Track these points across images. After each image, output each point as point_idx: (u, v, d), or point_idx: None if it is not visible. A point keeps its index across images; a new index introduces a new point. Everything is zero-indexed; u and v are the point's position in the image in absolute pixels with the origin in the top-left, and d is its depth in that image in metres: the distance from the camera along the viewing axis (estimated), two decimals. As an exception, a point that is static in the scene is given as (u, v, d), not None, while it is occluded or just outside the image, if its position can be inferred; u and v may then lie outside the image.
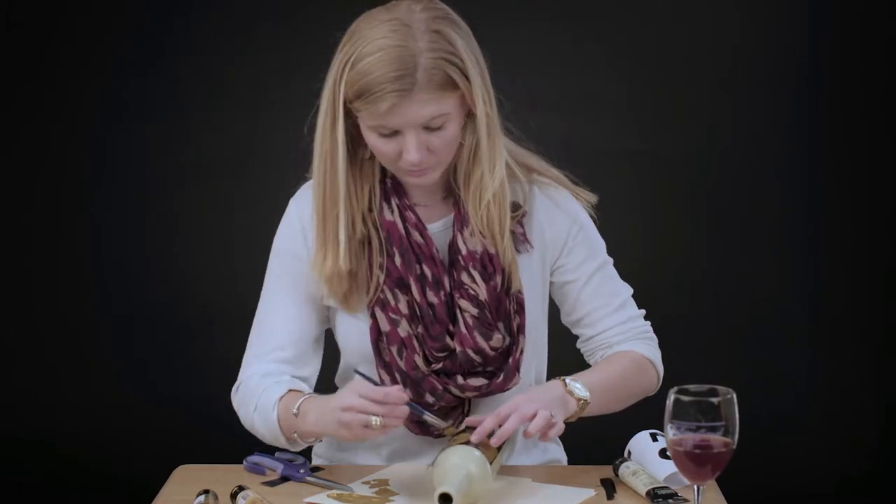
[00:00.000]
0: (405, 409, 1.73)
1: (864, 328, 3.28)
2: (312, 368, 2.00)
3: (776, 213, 3.27)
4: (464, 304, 1.89)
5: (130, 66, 3.21)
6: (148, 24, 3.20)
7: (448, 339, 1.90)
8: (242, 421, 1.96)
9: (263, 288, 1.99)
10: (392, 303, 1.88)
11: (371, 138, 1.82)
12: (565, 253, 1.98)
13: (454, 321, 1.90)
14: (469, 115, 1.85)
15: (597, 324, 2.01)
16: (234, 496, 1.73)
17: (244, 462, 1.90)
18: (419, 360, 1.89)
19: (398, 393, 1.73)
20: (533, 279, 1.96)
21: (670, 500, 1.73)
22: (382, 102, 1.76)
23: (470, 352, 1.89)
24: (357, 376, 1.81)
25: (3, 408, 3.29)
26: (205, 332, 3.21)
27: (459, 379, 1.90)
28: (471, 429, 1.76)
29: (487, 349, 1.89)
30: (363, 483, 1.83)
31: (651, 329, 2.06)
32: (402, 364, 1.89)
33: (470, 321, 1.89)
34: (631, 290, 2.05)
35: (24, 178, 3.27)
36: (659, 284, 3.25)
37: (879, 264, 3.26)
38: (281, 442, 1.89)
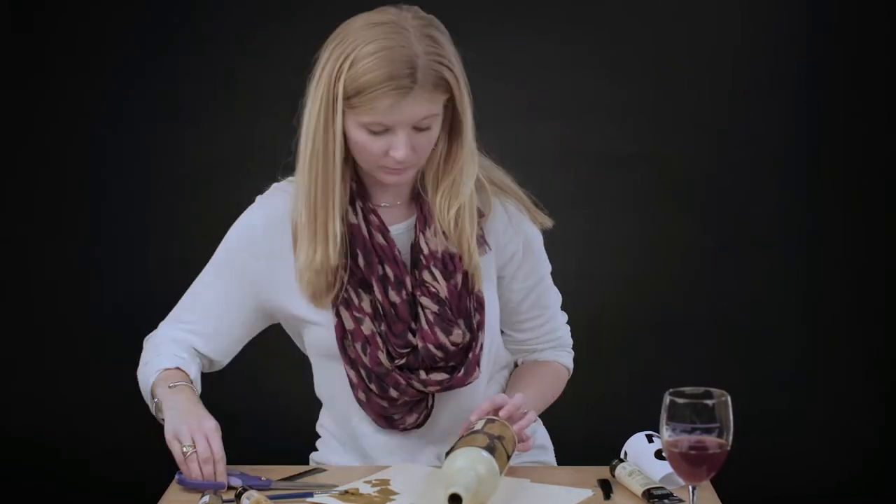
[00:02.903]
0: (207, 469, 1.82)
1: (860, 328, 3.28)
2: (223, 357, 2.06)
3: (774, 215, 3.28)
4: (425, 301, 1.94)
5: (132, 69, 3.21)
6: (149, 28, 3.20)
7: (410, 336, 1.95)
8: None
9: (210, 262, 2.04)
10: (356, 302, 1.93)
11: (359, 135, 1.86)
12: (512, 267, 2.06)
13: (416, 319, 1.95)
14: (444, 120, 1.91)
15: (526, 331, 2.13)
16: (238, 496, 1.74)
17: (176, 476, 1.87)
18: (383, 357, 1.94)
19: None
20: (490, 279, 2.02)
21: (666, 501, 1.75)
22: (384, 99, 1.81)
23: (431, 347, 1.94)
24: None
25: (5, 409, 3.29)
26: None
27: (422, 374, 1.95)
28: (476, 432, 1.78)
29: (448, 344, 1.94)
30: (365, 482, 1.84)
31: (570, 334, 2.18)
32: (366, 360, 1.94)
33: (431, 317, 1.94)
34: (560, 299, 2.16)
35: (26, 180, 3.27)
36: (657, 286, 3.27)
37: (877, 265, 3.27)
38: (150, 406, 1.97)
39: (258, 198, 2.03)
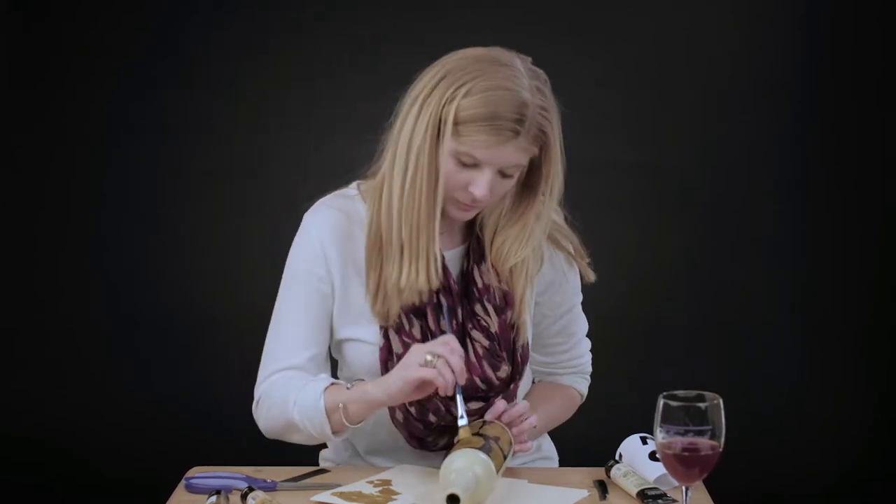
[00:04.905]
0: (459, 362, 1.77)
1: (851, 331, 3.30)
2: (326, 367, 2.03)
3: (771, 219, 3.30)
4: (476, 334, 1.95)
5: (140, 76, 3.23)
6: (157, 36, 3.21)
7: None
8: (270, 427, 1.96)
9: (278, 304, 1.99)
10: (407, 328, 1.92)
11: (448, 162, 1.85)
12: (545, 297, 2.07)
13: (464, 349, 1.92)
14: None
15: (550, 355, 2.15)
16: (244, 497, 1.76)
17: (185, 481, 1.86)
18: None
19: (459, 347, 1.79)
20: (529, 307, 2.02)
21: (660, 501, 1.77)
22: (488, 136, 1.80)
23: (477, 379, 1.94)
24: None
25: (15, 412, 3.30)
26: (214, 336, 3.23)
27: None
28: (478, 435, 1.81)
29: (494, 379, 1.95)
30: (367, 482, 1.86)
31: (590, 362, 2.20)
32: None
33: (480, 351, 1.94)
34: (587, 326, 2.17)
35: (33, 182, 3.28)
36: (655, 290, 3.28)
37: (867, 268, 3.29)
38: (324, 432, 1.89)
39: (307, 216, 1.99)
